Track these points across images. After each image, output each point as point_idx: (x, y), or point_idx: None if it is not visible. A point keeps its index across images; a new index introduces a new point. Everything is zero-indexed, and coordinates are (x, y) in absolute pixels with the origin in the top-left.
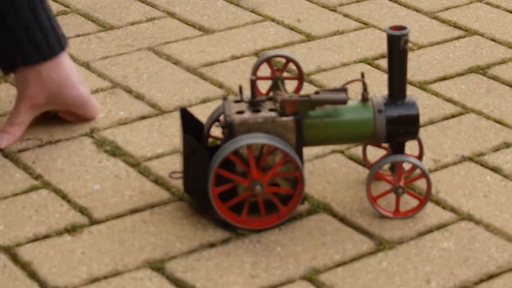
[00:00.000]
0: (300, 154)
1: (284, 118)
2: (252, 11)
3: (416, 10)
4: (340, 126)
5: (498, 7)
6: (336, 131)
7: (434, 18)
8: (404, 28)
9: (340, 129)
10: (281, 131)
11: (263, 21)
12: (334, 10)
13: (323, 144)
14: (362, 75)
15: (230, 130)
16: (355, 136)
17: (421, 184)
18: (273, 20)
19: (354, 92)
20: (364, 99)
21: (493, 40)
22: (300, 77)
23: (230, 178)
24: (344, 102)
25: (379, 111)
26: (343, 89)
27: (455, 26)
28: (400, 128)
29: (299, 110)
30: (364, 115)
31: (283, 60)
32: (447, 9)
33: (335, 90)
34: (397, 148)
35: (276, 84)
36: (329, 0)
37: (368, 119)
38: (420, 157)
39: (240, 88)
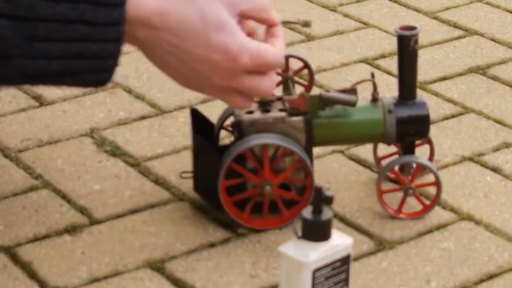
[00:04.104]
0: (310, 154)
1: (294, 118)
2: None
3: (416, 10)
4: (350, 126)
5: (498, 7)
6: (346, 131)
7: (434, 18)
8: (414, 28)
9: (350, 129)
10: (291, 131)
11: None
12: (334, 10)
13: (333, 144)
14: (372, 75)
15: (240, 130)
16: (365, 136)
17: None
18: None
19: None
20: (374, 99)
21: (493, 40)
22: (311, 78)
23: (241, 174)
24: (353, 104)
25: (389, 111)
26: (353, 90)
27: (455, 26)
28: (410, 128)
29: (309, 109)
30: (374, 116)
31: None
32: (447, 9)
33: (345, 90)
34: (408, 149)
35: (286, 84)
36: (329, 0)
37: (378, 119)
38: (431, 158)
39: None
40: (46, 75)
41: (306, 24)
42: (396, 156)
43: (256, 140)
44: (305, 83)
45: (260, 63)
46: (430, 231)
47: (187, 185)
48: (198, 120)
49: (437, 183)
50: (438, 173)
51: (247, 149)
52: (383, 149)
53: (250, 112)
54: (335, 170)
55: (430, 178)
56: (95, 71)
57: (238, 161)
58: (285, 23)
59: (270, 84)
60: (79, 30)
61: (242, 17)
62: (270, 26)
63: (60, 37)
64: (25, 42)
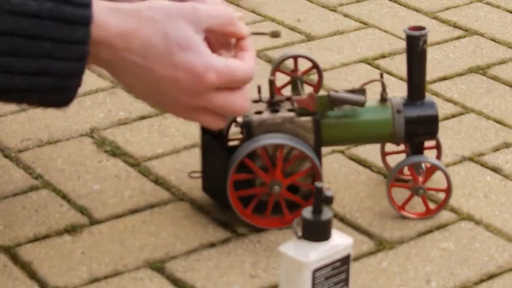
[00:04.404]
0: (318, 154)
1: (303, 118)
2: (252, 11)
3: (416, 10)
4: (358, 126)
5: (498, 7)
6: (354, 131)
7: (434, 18)
8: (423, 28)
9: (358, 129)
10: (300, 131)
11: (263, 21)
12: (334, 10)
13: (341, 144)
14: (381, 75)
15: (249, 130)
16: (374, 137)
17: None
18: (273, 20)
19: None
20: (383, 99)
21: (493, 40)
22: (319, 78)
23: (251, 171)
24: (362, 104)
25: (398, 112)
26: (362, 90)
27: (455, 26)
28: (419, 128)
29: (318, 109)
30: (383, 116)
31: (290, 62)
32: (447, 9)
33: (353, 90)
34: (416, 149)
35: (295, 84)
36: (329, 0)
37: (387, 119)
38: (438, 157)
39: (259, 88)
40: (9, 91)
41: (275, 34)
42: (404, 155)
43: (264, 141)
44: (312, 83)
45: (229, 80)
46: (430, 231)
47: (187, 185)
48: None
49: (448, 190)
50: (451, 178)
51: (259, 148)
52: (387, 146)
53: (259, 112)
54: (335, 170)
55: (438, 180)
56: (57, 90)
57: (249, 158)
58: (255, 34)
59: (242, 101)
60: (43, 47)
61: (209, 33)
62: (239, 39)
63: (23, 53)
64: None
